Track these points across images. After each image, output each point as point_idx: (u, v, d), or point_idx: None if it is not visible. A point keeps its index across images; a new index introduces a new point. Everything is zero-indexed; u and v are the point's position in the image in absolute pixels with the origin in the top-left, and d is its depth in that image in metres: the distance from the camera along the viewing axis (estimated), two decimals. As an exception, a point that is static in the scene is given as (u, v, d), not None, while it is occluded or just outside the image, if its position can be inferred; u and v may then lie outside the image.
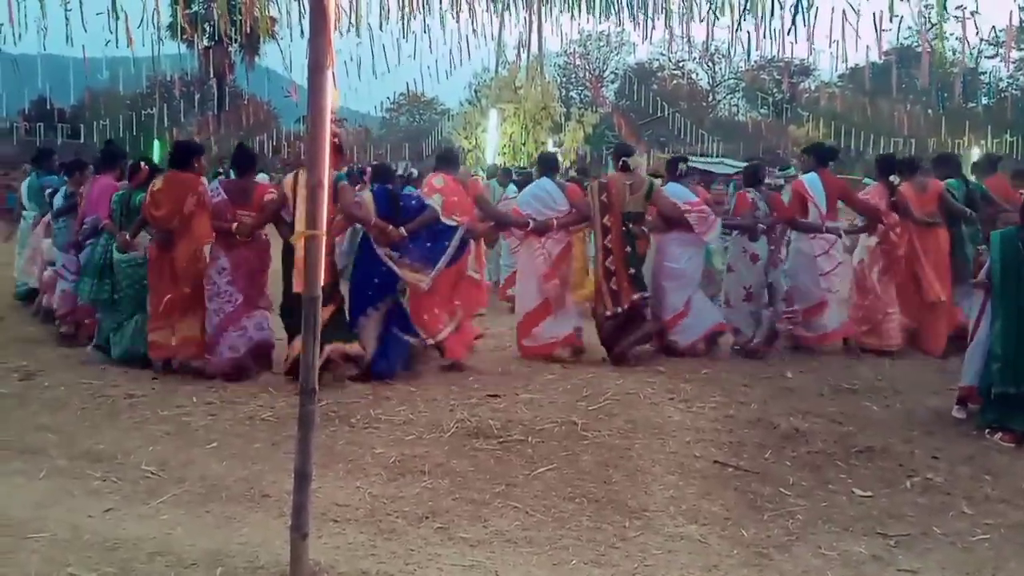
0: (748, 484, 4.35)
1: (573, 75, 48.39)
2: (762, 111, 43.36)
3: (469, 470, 4.46)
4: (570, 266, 7.04)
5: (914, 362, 7.13)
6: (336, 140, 5.68)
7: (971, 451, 4.89)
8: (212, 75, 34.81)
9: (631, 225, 6.76)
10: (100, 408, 5.44)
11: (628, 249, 6.74)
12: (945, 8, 7.19)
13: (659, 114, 32.49)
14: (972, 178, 8.25)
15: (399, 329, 6.25)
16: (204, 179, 6.36)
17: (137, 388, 5.84)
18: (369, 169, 10.93)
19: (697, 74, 50.09)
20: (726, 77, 50.04)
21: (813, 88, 38.30)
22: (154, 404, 5.50)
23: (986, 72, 40.04)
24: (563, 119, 27.29)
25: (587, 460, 4.64)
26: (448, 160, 7.09)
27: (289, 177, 6.23)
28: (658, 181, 7.49)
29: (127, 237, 6.46)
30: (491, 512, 3.93)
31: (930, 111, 27.92)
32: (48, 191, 8.32)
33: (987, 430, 5.17)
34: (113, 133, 26.75)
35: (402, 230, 6.15)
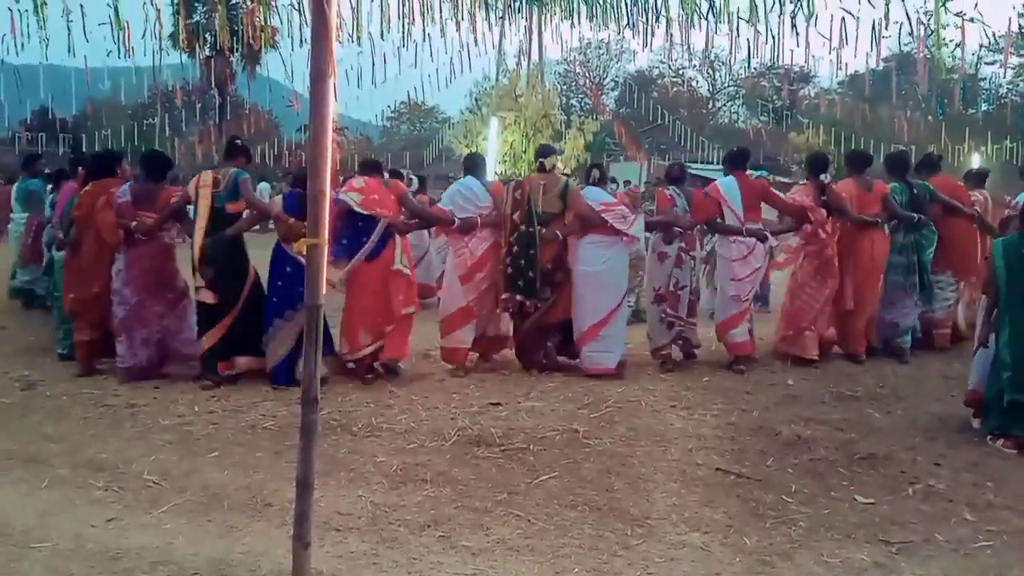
0: (750, 491, 4.34)
1: (573, 83, 48.49)
2: (762, 118, 43.38)
3: (471, 478, 4.46)
4: (495, 268, 6.76)
5: (917, 369, 7.12)
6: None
7: (974, 458, 4.89)
8: (213, 85, 34.85)
9: (541, 227, 6.56)
10: (102, 418, 5.46)
11: (516, 249, 6.56)
12: (944, 13, 7.12)
13: (659, 121, 32.52)
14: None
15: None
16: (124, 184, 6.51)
17: (139, 398, 5.85)
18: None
19: (697, 81, 50.24)
20: (726, 84, 50.17)
21: (813, 95, 38.31)
22: (156, 413, 5.51)
23: (986, 78, 40.10)
24: (564, 127, 27.29)
25: (589, 468, 4.64)
26: (370, 167, 6.98)
27: (195, 178, 6.45)
28: (573, 181, 7.36)
29: (59, 235, 6.79)
30: (493, 520, 3.93)
31: (930, 117, 27.92)
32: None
33: (989, 436, 5.17)
34: (115, 142, 26.76)
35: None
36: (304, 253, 2.94)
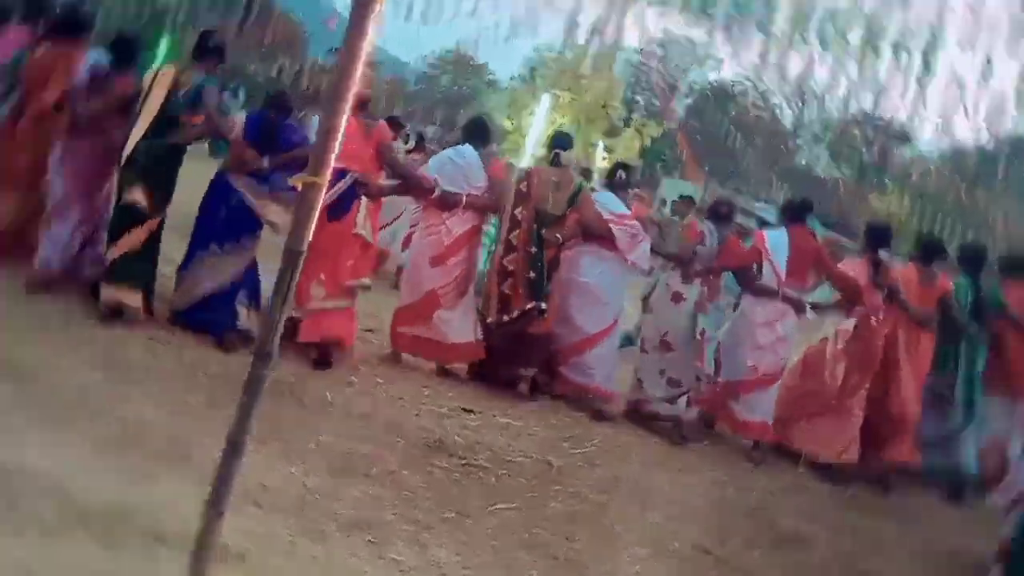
0: (726, 580, 4.34)
1: (644, 77, 48.46)
2: (845, 170, 43.33)
3: (420, 486, 4.45)
4: (473, 255, 6.68)
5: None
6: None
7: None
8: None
9: (545, 227, 6.48)
10: (31, 320, 5.40)
11: (534, 249, 6.42)
12: None
13: (729, 143, 32.50)
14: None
15: (243, 294, 6.02)
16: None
17: (77, 305, 5.83)
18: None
19: (782, 110, 50.16)
20: (813, 121, 50.06)
21: (908, 158, 38.26)
22: (91, 325, 5.51)
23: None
24: (622, 123, 27.31)
25: (555, 508, 4.64)
26: (362, 106, 6.37)
27: (151, 71, 6.15)
28: (588, 184, 7.17)
29: None
30: (433, 538, 3.93)
31: (1032, 214, 27.84)
32: None
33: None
34: (117, 19, 26.82)
35: (265, 160, 5.98)
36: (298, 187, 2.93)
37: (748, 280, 7.01)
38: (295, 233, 2.94)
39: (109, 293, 5.78)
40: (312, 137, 5.79)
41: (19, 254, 6.20)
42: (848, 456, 6.63)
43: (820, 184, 42.18)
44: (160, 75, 6.05)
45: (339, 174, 5.94)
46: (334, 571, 3.43)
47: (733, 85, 48.30)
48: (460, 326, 6.52)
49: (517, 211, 6.47)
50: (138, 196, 5.85)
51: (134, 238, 5.88)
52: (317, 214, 2.95)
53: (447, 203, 6.47)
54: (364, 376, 6.00)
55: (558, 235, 6.49)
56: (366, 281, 6.32)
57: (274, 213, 5.90)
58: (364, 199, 6.12)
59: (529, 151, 22.34)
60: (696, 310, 6.65)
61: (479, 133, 6.90)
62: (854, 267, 7.06)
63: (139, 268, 5.89)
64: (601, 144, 25.83)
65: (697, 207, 10.31)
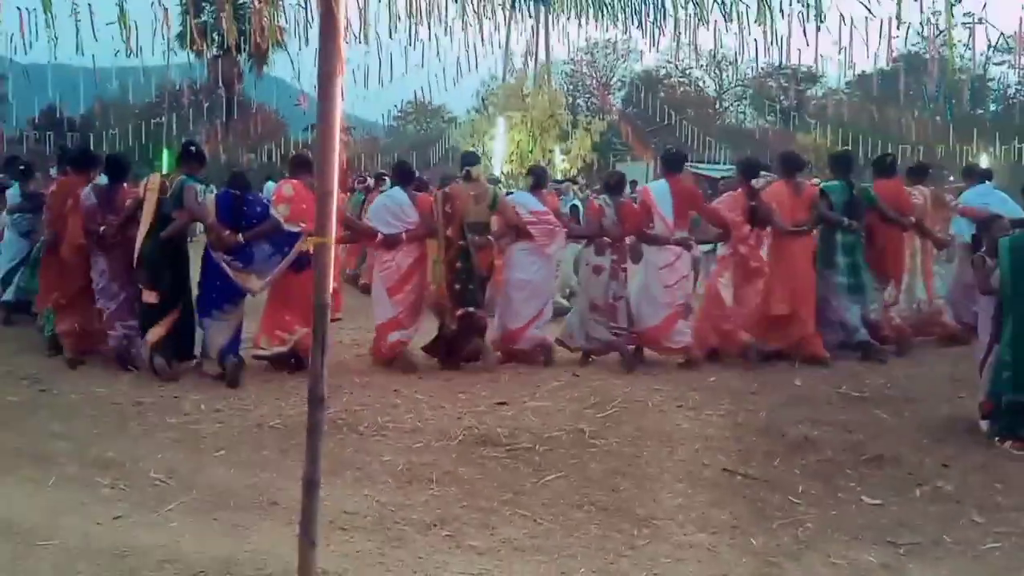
0: (757, 492, 4.33)
1: (580, 83, 48.44)
2: (769, 118, 43.29)
3: (477, 478, 4.45)
4: (424, 278, 6.80)
5: (924, 370, 7.09)
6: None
7: (982, 459, 4.86)
8: (221, 84, 34.91)
9: (472, 236, 6.57)
10: (109, 416, 5.47)
11: (459, 264, 6.55)
12: (953, 15, 7.09)
13: (666, 121, 32.48)
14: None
15: (231, 349, 6.30)
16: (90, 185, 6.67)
17: (145, 395, 5.86)
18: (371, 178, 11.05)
19: (704, 81, 50.11)
20: (733, 84, 50.03)
21: (820, 95, 38.24)
22: (162, 411, 5.52)
23: (994, 79, 39.94)
24: (570, 127, 27.30)
25: (595, 468, 4.63)
26: (300, 165, 6.59)
27: (145, 180, 6.51)
28: (502, 191, 7.26)
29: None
30: (499, 520, 3.93)
31: (938, 118, 27.81)
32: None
33: (997, 438, 5.14)
34: (122, 142, 26.87)
35: (240, 236, 6.17)
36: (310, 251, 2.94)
37: (645, 237, 7.02)
38: (319, 289, 2.94)
39: (158, 363, 6.22)
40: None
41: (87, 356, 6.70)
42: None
43: (751, 135, 42.10)
44: (150, 183, 6.33)
45: (292, 235, 6.14)
46: (422, 570, 3.43)
47: (657, 70, 48.31)
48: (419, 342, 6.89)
49: (448, 231, 6.57)
50: (151, 298, 6.19)
51: (159, 331, 6.22)
52: (332, 269, 2.96)
53: (390, 243, 6.65)
54: (405, 396, 5.99)
55: (489, 236, 6.63)
56: (337, 316, 6.54)
57: (249, 282, 6.19)
58: None
59: (497, 170, 22.32)
60: (610, 277, 6.76)
61: (403, 175, 7.18)
62: (733, 198, 7.17)
63: (172, 346, 6.30)
64: (558, 148, 25.80)
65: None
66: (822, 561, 3.57)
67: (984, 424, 5.38)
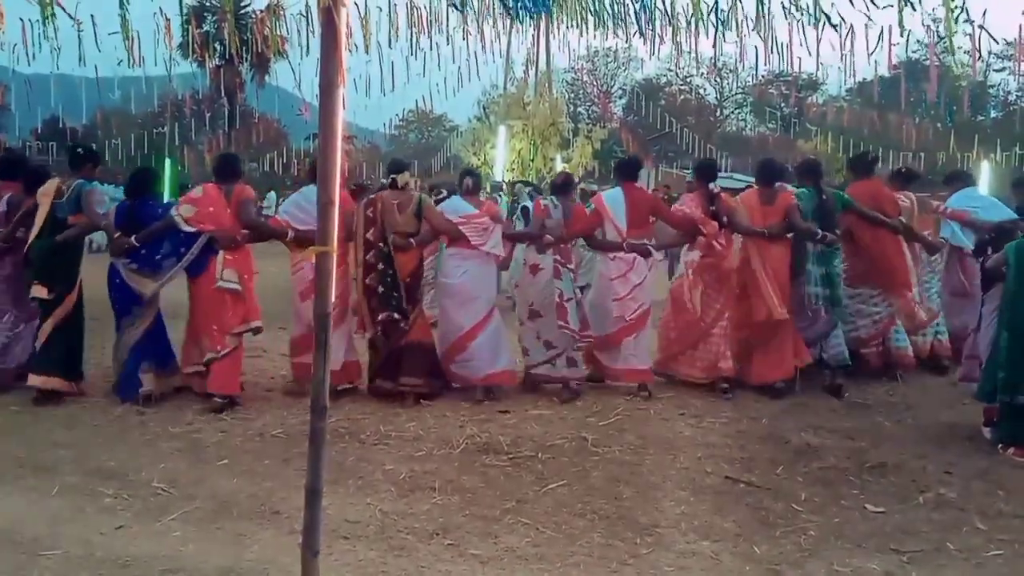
0: (760, 500, 4.33)
1: (581, 91, 48.59)
2: (770, 125, 43.39)
3: (479, 486, 4.45)
4: (341, 284, 6.12)
5: (926, 377, 7.08)
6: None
7: (984, 466, 4.86)
8: (223, 94, 35.05)
9: (393, 238, 6.15)
10: (111, 425, 5.47)
11: (381, 267, 6.11)
12: (956, 22, 7.02)
13: (667, 129, 32.54)
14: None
15: (146, 363, 6.06)
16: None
17: (147, 405, 5.85)
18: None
19: (704, 89, 50.26)
20: (733, 92, 50.16)
21: (821, 102, 38.30)
22: (164, 421, 5.52)
23: (995, 85, 40.03)
24: (571, 135, 27.33)
25: (598, 476, 4.63)
26: (222, 170, 6.40)
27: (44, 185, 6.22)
28: (428, 197, 6.86)
29: None
30: (502, 528, 3.92)
31: (939, 125, 27.87)
32: None
33: (999, 445, 5.14)
34: (125, 152, 26.96)
35: (133, 239, 5.99)
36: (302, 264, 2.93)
37: (594, 243, 6.78)
38: (319, 298, 2.94)
39: (35, 380, 5.90)
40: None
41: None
42: (714, 373, 6.46)
43: (751, 143, 42.22)
44: (45, 188, 6.14)
45: (191, 237, 6.01)
46: (425, 577, 3.43)
47: (658, 78, 48.46)
48: (336, 350, 6.03)
49: (368, 234, 6.18)
50: (37, 291, 5.99)
51: (46, 327, 6.02)
52: (334, 279, 2.95)
53: (301, 242, 6.17)
54: (409, 404, 5.99)
55: (411, 240, 6.20)
56: (254, 324, 6.10)
57: (142, 285, 6.02)
58: (221, 254, 6.03)
59: (498, 177, 22.36)
60: (553, 276, 6.35)
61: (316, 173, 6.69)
62: (691, 201, 6.87)
63: (57, 355, 5.99)
64: (559, 156, 25.85)
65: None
66: (825, 569, 3.56)
67: (986, 431, 5.39)
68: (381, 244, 6.16)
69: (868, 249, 6.90)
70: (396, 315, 6.10)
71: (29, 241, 6.05)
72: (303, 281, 6.17)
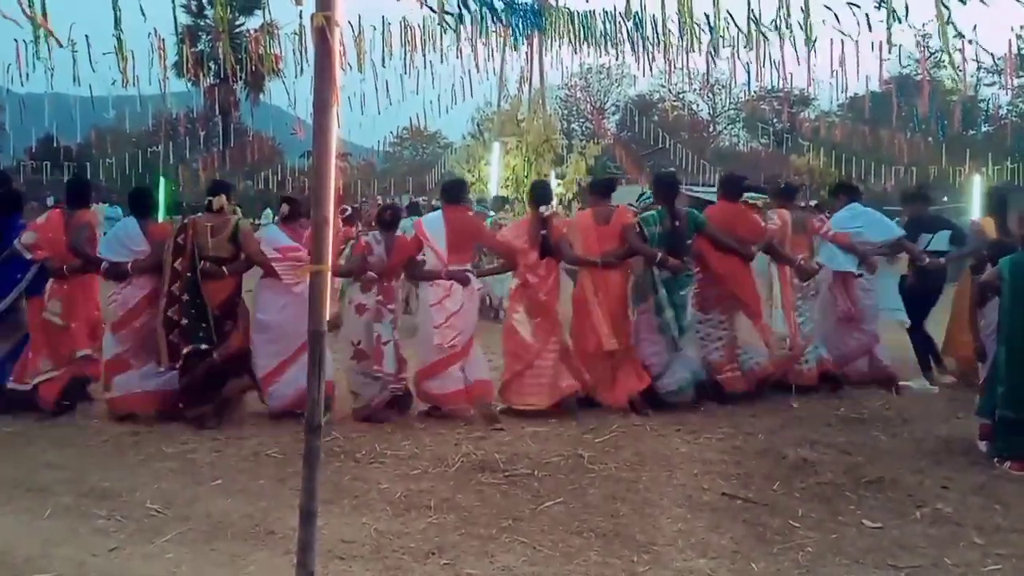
0: (757, 516, 4.31)
1: (575, 108, 48.77)
2: (762, 141, 43.58)
3: (475, 505, 4.43)
4: (155, 318, 6.03)
5: (919, 397, 7.08)
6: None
7: (981, 481, 4.85)
8: (217, 112, 35.12)
9: (203, 266, 5.97)
10: (105, 446, 5.45)
11: (186, 297, 5.92)
12: (949, 36, 7.03)
13: (660, 145, 32.67)
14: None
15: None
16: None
17: (142, 425, 5.83)
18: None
19: (697, 105, 50.51)
20: (726, 108, 50.40)
21: (813, 117, 38.50)
22: (158, 441, 5.50)
23: (985, 100, 40.27)
24: (565, 151, 27.40)
25: (594, 493, 4.61)
26: (73, 195, 6.47)
27: None
28: (245, 222, 6.58)
29: None
30: (498, 547, 3.90)
31: (930, 139, 27.98)
32: None
33: (996, 459, 5.14)
34: (119, 171, 26.98)
35: None
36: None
37: (414, 272, 6.52)
38: (313, 316, 2.94)
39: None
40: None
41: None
42: (558, 394, 6.24)
43: (744, 158, 42.37)
44: None
45: (24, 264, 6.13)
46: (421, 597, 3.40)
47: (651, 94, 48.72)
48: (150, 379, 6.11)
49: (177, 263, 5.99)
50: None
51: None
52: (328, 298, 2.95)
53: (114, 274, 6.15)
54: (402, 423, 5.98)
55: (223, 267, 6.03)
56: (83, 352, 6.25)
57: None
58: (50, 282, 6.15)
59: (492, 193, 22.40)
60: (372, 318, 6.10)
61: (135, 203, 6.52)
62: (517, 227, 6.69)
63: None
64: (553, 172, 25.93)
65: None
66: (823, 585, 3.55)
67: (983, 445, 5.38)
68: (189, 273, 5.95)
69: (716, 274, 6.65)
70: (204, 346, 5.91)
71: None
72: (116, 312, 6.11)
